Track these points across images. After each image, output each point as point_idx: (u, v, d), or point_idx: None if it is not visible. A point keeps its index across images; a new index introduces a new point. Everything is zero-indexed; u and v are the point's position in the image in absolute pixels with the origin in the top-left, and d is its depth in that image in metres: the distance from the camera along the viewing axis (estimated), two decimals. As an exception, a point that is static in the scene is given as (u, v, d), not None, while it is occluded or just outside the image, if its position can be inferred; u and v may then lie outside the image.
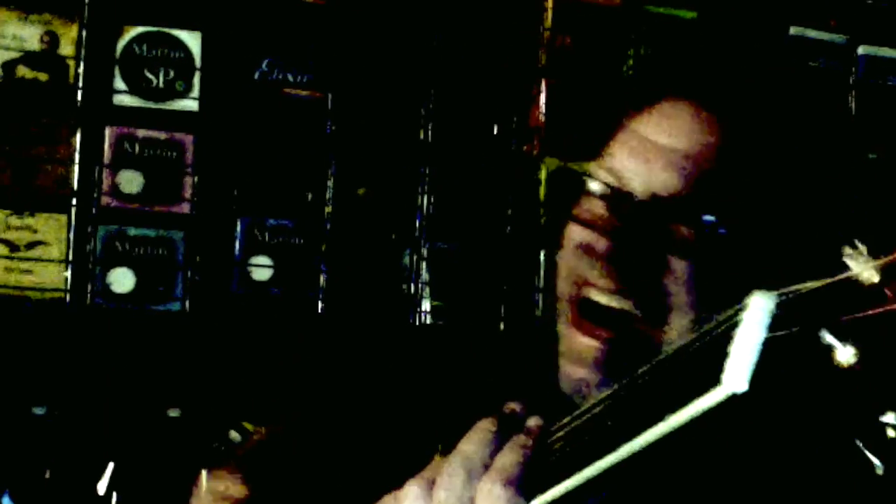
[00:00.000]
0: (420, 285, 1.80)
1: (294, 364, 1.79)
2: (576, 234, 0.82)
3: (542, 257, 1.81)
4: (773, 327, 0.45)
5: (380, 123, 1.80)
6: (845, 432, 0.51)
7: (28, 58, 1.68)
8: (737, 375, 0.44)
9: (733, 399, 0.44)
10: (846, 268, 0.44)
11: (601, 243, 0.79)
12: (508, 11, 1.85)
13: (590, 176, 0.82)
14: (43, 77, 1.69)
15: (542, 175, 1.81)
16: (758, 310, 0.45)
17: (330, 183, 1.77)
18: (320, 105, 1.77)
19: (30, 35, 1.68)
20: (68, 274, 1.70)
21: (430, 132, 1.81)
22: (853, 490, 0.65)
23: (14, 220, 1.68)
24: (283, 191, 1.77)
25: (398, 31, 1.80)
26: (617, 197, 0.80)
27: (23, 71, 1.68)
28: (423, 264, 1.80)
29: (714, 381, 0.45)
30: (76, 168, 1.69)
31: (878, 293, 0.42)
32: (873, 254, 0.43)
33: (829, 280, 0.44)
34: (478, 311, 1.82)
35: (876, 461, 0.49)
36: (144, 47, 1.73)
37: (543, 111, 1.84)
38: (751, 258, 0.77)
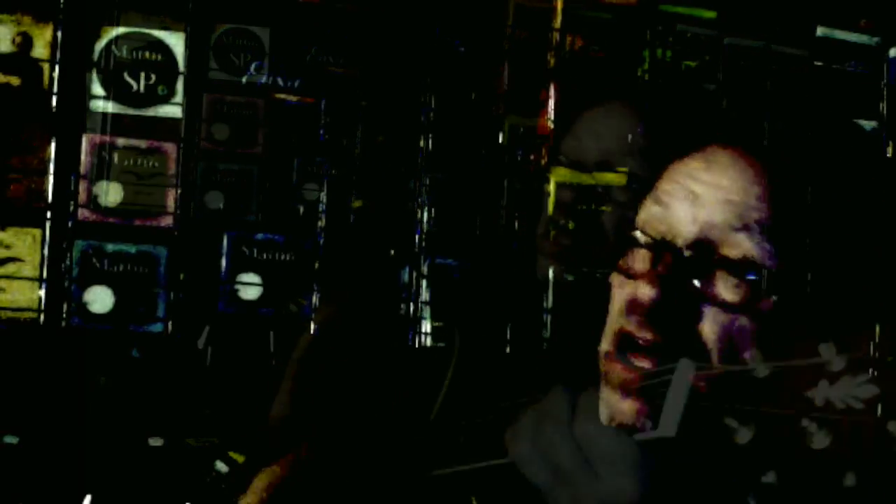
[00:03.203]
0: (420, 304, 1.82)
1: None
2: (621, 289, 0.88)
3: (550, 274, 1.76)
4: (690, 398, 0.62)
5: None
6: (739, 488, 0.64)
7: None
8: (668, 425, 0.63)
9: (665, 438, 0.63)
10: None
11: (644, 297, 0.83)
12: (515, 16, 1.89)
13: (638, 230, 0.88)
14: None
15: (552, 187, 1.75)
16: (682, 374, 0.63)
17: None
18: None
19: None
20: (42, 292, 1.72)
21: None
22: None
23: (-16, 235, 1.69)
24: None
25: (407, 28, 1.88)
26: (661, 247, 0.85)
27: (-6, 75, 1.73)
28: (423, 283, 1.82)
29: (655, 426, 0.65)
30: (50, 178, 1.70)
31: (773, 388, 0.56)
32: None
33: (736, 367, 0.59)
34: (481, 333, 1.77)
35: None
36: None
37: (552, 118, 1.79)
38: (788, 306, 0.81)
